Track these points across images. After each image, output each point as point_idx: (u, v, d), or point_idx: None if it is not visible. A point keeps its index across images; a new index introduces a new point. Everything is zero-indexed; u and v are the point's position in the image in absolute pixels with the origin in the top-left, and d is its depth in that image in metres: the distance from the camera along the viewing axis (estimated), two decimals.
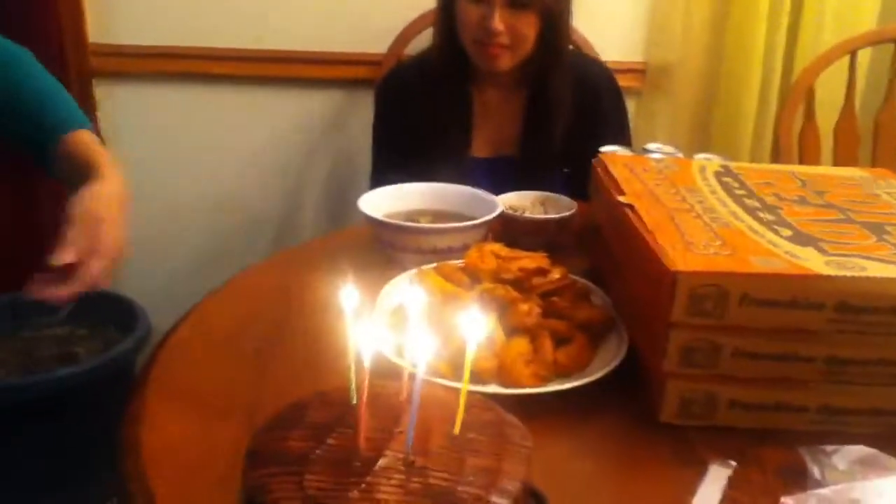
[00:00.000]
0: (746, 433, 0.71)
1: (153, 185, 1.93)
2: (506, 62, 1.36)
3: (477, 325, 0.50)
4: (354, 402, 0.54)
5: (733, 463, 0.66)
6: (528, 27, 1.33)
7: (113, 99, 1.86)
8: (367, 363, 0.49)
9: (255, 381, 0.77)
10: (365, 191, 1.12)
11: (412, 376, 0.51)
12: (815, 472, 0.64)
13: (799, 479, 0.64)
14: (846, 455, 0.64)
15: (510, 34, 1.33)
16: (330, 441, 0.51)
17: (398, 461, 0.49)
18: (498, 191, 1.16)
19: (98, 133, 1.84)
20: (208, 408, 0.73)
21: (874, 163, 1.71)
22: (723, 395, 0.71)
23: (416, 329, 0.51)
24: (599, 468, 0.68)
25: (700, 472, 0.66)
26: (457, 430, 0.52)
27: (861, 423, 0.72)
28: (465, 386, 0.52)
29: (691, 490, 0.63)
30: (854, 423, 0.71)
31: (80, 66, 1.79)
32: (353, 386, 0.54)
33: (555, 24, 1.36)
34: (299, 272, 1.03)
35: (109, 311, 1.75)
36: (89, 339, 1.73)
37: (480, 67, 1.40)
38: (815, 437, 0.67)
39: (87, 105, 1.83)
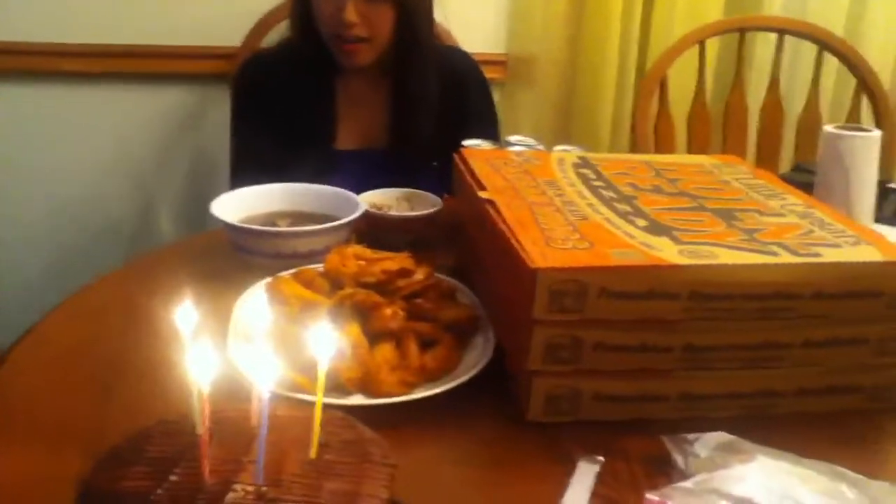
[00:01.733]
0: (611, 426, 0.71)
1: None
2: (364, 57, 1.33)
3: (327, 340, 0.47)
4: (199, 430, 0.50)
5: (601, 458, 0.66)
6: (383, 18, 1.30)
7: None
8: (205, 387, 0.45)
9: (97, 410, 0.71)
10: (224, 191, 1.06)
11: (261, 397, 0.47)
12: (679, 461, 0.64)
13: (664, 469, 0.65)
14: (707, 442, 0.65)
15: (365, 25, 1.29)
16: (173, 478, 0.47)
17: (248, 494, 0.45)
18: (367, 185, 1.13)
19: None
20: (45, 440, 0.66)
21: (725, 147, 1.79)
22: (587, 389, 0.71)
23: (261, 347, 0.48)
24: (469, 473, 0.67)
25: (569, 468, 0.65)
26: (313, 453, 0.49)
27: (720, 407, 0.73)
28: (318, 407, 0.48)
29: (561, 488, 0.63)
30: (713, 408, 0.73)
31: None
32: (197, 413, 0.50)
33: (411, 14, 1.33)
34: (149, 284, 0.96)
35: None
36: None
37: (340, 64, 1.36)
38: (679, 425, 0.68)
39: None
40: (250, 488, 0.46)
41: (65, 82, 1.77)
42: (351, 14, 1.27)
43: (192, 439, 0.50)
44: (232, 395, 0.53)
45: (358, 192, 1.09)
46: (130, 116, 1.81)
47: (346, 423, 0.54)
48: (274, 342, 0.51)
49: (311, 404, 0.55)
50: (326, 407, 0.50)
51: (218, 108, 1.79)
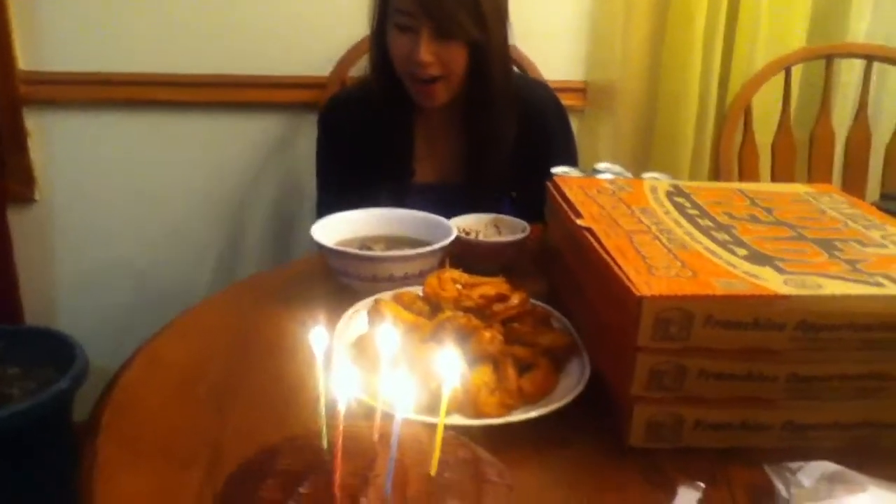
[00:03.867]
0: (713, 453, 0.71)
1: (88, 216, 1.87)
2: (440, 96, 1.35)
3: (453, 366, 0.49)
4: (326, 446, 0.52)
5: (702, 485, 0.66)
6: (457, 56, 1.32)
7: (45, 128, 1.81)
8: (341, 407, 0.47)
9: (214, 426, 0.74)
10: (312, 217, 1.10)
11: (386, 417, 0.50)
12: (782, 489, 0.64)
13: (766, 499, 0.65)
14: (811, 471, 0.64)
15: (439, 64, 1.31)
16: (303, 490, 0.49)
17: None
18: (443, 216, 1.15)
19: (29, 164, 1.80)
20: (167, 456, 0.69)
21: (810, 175, 1.76)
22: (689, 416, 0.71)
23: (392, 371, 0.50)
24: (571, 497, 0.68)
25: (670, 495, 0.66)
26: (433, 471, 0.51)
27: (824, 437, 0.73)
28: (440, 426, 0.50)
29: None
30: (817, 438, 0.72)
31: (10, 95, 1.73)
32: (325, 430, 0.52)
33: (484, 51, 1.34)
34: (252, 307, 1.00)
35: (43, 348, 1.69)
36: (22, 378, 1.65)
37: (417, 103, 1.39)
38: (781, 454, 0.68)
39: (18, 135, 1.77)
40: (378, 502, 0.48)
41: (158, 111, 1.84)
42: (425, 54, 1.29)
43: (319, 454, 0.52)
44: (350, 411, 0.55)
45: None
46: (222, 145, 1.88)
47: (460, 442, 0.56)
48: (397, 363, 0.53)
49: (421, 424, 0.58)
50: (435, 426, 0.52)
51: (307, 136, 1.84)
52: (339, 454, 0.48)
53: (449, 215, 1.16)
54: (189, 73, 1.80)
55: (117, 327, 1.86)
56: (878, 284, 0.71)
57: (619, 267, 0.73)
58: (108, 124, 1.84)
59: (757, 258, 0.77)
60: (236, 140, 1.88)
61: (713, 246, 0.80)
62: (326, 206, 1.46)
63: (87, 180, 1.85)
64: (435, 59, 1.30)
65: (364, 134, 1.43)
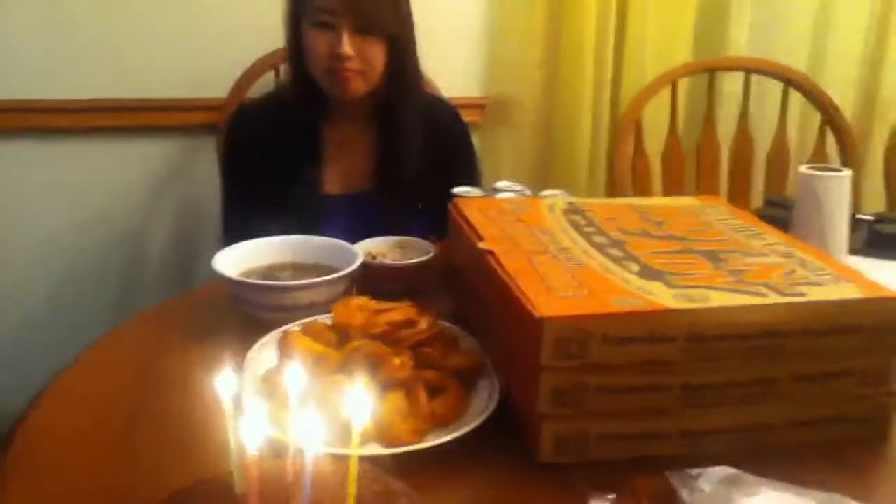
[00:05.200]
0: (619, 464, 0.74)
1: None
2: (358, 87, 1.37)
3: (363, 402, 0.50)
4: (238, 490, 0.52)
5: (611, 496, 0.69)
6: (377, 52, 1.35)
7: None
8: (252, 451, 0.48)
9: (125, 468, 0.72)
10: (214, 241, 1.09)
11: (299, 454, 0.50)
12: (685, 495, 0.68)
13: None
14: (710, 477, 0.68)
15: (360, 59, 1.34)
16: None
17: None
18: (354, 227, 1.16)
19: None
20: (77, 500, 0.68)
21: (699, 182, 1.86)
22: (593, 430, 0.74)
23: (301, 407, 0.50)
24: None
25: None
26: None
27: (719, 442, 0.77)
28: (354, 463, 0.51)
29: None
30: (713, 443, 0.77)
31: None
32: (237, 473, 0.52)
33: (402, 50, 1.39)
34: (158, 340, 0.98)
35: None
36: None
37: (334, 96, 1.40)
38: (681, 461, 0.72)
39: None
40: None
41: (49, 138, 1.78)
42: (347, 47, 1.31)
43: (232, 499, 0.52)
44: (260, 450, 0.55)
45: (345, 234, 1.13)
46: (117, 171, 1.83)
47: (375, 475, 0.57)
48: (307, 399, 0.54)
49: (334, 460, 0.58)
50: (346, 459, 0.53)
51: (206, 159, 1.82)
52: (255, 498, 0.49)
53: (357, 227, 1.17)
54: (81, 98, 1.75)
55: (16, 360, 1.78)
56: (760, 294, 0.76)
57: (520, 289, 0.76)
58: None
59: (648, 273, 0.81)
60: (133, 165, 1.84)
61: (607, 263, 0.84)
62: (233, 222, 1.46)
63: None
64: (356, 53, 1.33)
65: (272, 145, 1.43)
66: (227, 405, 0.51)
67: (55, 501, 0.68)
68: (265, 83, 1.76)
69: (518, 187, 1.22)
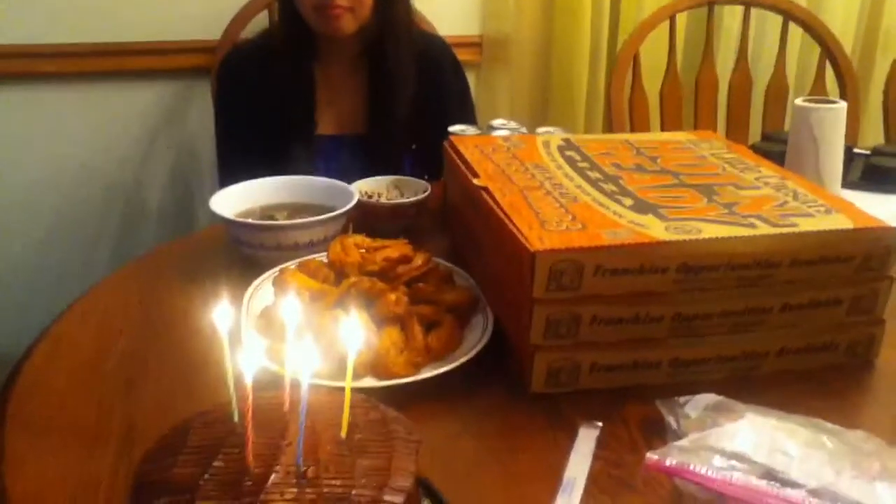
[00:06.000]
0: (610, 393, 0.76)
1: None
2: (347, 24, 1.35)
3: (356, 334, 0.51)
4: (237, 419, 0.54)
5: (600, 424, 0.71)
6: None
7: None
8: (249, 380, 0.49)
9: (125, 406, 0.74)
10: (211, 185, 1.09)
11: (295, 385, 0.51)
12: (672, 422, 0.69)
13: (659, 431, 0.70)
14: (697, 404, 0.70)
15: None
16: (217, 463, 0.51)
17: (290, 474, 0.49)
18: (349, 168, 1.16)
19: None
20: (79, 440, 0.69)
21: (697, 118, 1.85)
22: (585, 360, 0.76)
23: (297, 339, 0.52)
24: (480, 445, 0.71)
25: (572, 435, 0.70)
26: (343, 433, 0.53)
27: (709, 370, 0.79)
28: (347, 391, 0.53)
29: (566, 453, 0.68)
30: (703, 372, 0.78)
31: None
32: (234, 403, 0.54)
33: None
34: (154, 283, 0.99)
35: None
36: None
37: (323, 33, 1.38)
38: (672, 390, 0.73)
39: None
40: (292, 468, 0.50)
41: (41, 84, 1.77)
42: None
43: (231, 427, 0.54)
44: (259, 383, 0.56)
45: (340, 175, 1.13)
46: (111, 115, 1.82)
47: (369, 403, 0.58)
48: (303, 333, 0.55)
49: (331, 391, 0.60)
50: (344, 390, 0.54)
51: (200, 102, 1.81)
52: (250, 426, 0.50)
53: (352, 168, 1.17)
54: (72, 41, 1.73)
55: (14, 311, 1.80)
56: (751, 226, 0.77)
57: (514, 224, 0.76)
58: None
59: (641, 207, 0.82)
60: (127, 111, 1.82)
61: (601, 197, 0.84)
62: (229, 164, 1.47)
63: None
64: None
65: (265, 85, 1.42)
66: (224, 337, 0.52)
67: (59, 440, 0.70)
68: (259, 23, 1.74)
69: (513, 125, 1.22)
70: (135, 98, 1.82)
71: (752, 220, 0.78)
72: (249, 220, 0.99)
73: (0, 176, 1.80)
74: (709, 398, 0.70)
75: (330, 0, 1.31)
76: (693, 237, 0.74)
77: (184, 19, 1.77)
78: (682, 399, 0.71)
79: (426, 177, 1.20)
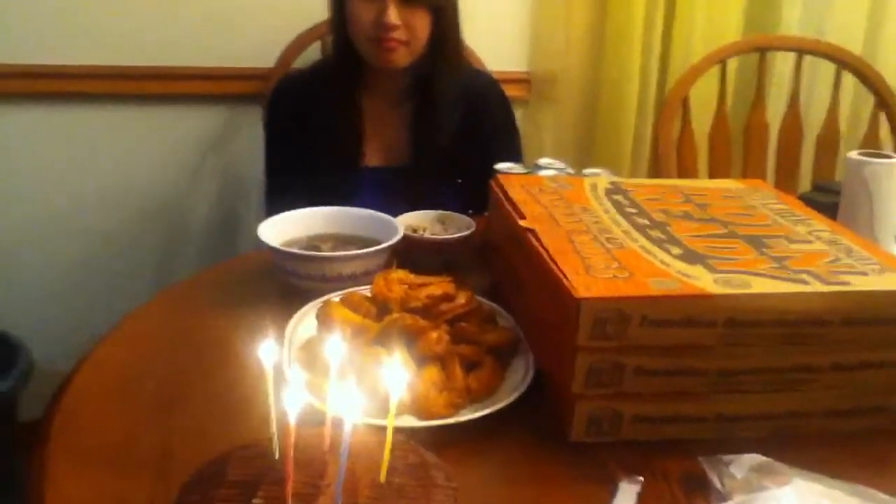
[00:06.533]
0: (651, 446, 0.75)
1: (23, 212, 1.83)
2: (402, 57, 1.37)
3: (400, 376, 0.51)
4: (277, 456, 0.54)
5: (641, 478, 0.70)
6: (422, 23, 1.35)
7: None
8: (293, 420, 0.49)
9: (162, 433, 0.74)
10: (256, 210, 1.10)
11: (336, 423, 0.51)
12: (716, 481, 0.68)
13: (701, 489, 0.68)
14: (742, 464, 0.68)
15: (405, 29, 1.34)
16: (257, 501, 0.51)
17: None
18: (392, 201, 1.17)
19: None
20: (117, 463, 0.70)
21: (745, 165, 1.82)
22: (627, 411, 0.75)
23: (340, 379, 0.52)
24: (516, 493, 0.70)
25: (612, 488, 0.69)
26: (383, 477, 0.53)
27: (753, 427, 0.77)
28: (389, 433, 0.52)
29: None
30: (746, 429, 0.77)
31: None
32: (276, 439, 0.54)
33: (446, 22, 1.39)
34: (198, 308, 1.00)
35: None
36: None
37: (377, 66, 1.39)
38: (714, 445, 0.72)
39: None
40: None
41: (95, 105, 1.80)
42: (393, 16, 1.31)
43: (270, 463, 0.54)
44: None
45: (384, 206, 1.14)
46: (162, 138, 1.85)
47: (409, 447, 0.58)
48: (345, 371, 0.55)
49: (370, 430, 0.59)
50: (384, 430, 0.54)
51: (249, 128, 1.83)
52: (291, 464, 0.50)
53: (395, 199, 1.17)
54: (128, 64, 1.77)
55: (60, 326, 1.83)
56: (803, 282, 0.75)
57: (559, 268, 0.76)
58: (44, 118, 1.79)
59: (690, 257, 0.81)
60: (177, 133, 1.85)
61: (649, 245, 0.84)
62: (275, 191, 1.48)
63: (21, 175, 1.81)
64: (402, 23, 1.33)
65: (314, 115, 1.44)
66: (269, 373, 0.52)
67: (98, 463, 0.70)
68: (311, 54, 1.77)
69: (560, 164, 1.22)
70: (186, 121, 1.85)
71: (804, 276, 0.77)
72: (296, 250, 1.00)
73: (51, 189, 1.83)
74: (755, 459, 0.69)
75: (386, 33, 1.33)
76: (742, 291, 0.73)
77: (237, 46, 1.80)
78: (726, 457, 0.70)
79: (469, 211, 1.20)
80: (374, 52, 1.37)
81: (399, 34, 1.33)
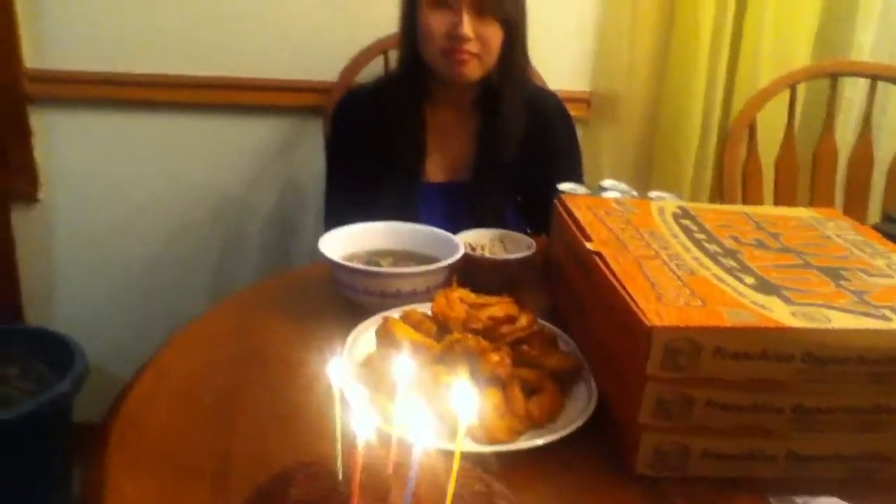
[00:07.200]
0: (719, 482, 0.72)
1: (90, 216, 1.87)
2: (473, 70, 1.36)
3: (470, 401, 0.49)
4: (341, 477, 0.53)
5: None
6: (494, 36, 1.35)
7: (49, 127, 1.80)
8: (360, 442, 0.48)
9: (222, 441, 0.74)
10: (314, 222, 1.10)
11: (402, 445, 0.50)
12: None
13: None
14: None
15: (478, 42, 1.33)
16: None
17: None
18: (451, 216, 1.16)
19: (33, 162, 1.80)
20: (175, 474, 0.70)
21: (813, 193, 1.77)
22: (696, 445, 0.72)
23: (407, 400, 0.50)
24: None
25: None
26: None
27: (827, 468, 0.73)
28: (456, 460, 0.51)
29: None
30: (821, 469, 0.73)
31: (15, 93, 1.73)
32: (339, 459, 0.53)
33: (515, 36, 1.38)
34: (257, 318, 1.00)
35: (40, 348, 1.68)
36: (20, 378, 1.65)
37: (447, 78, 1.39)
38: (785, 485, 0.69)
39: (23, 133, 1.77)
40: None
41: (163, 112, 1.84)
42: (467, 27, 1.30)
43: (334, 484, 0.53)
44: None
45: (443, 222, 1.13)
46: (225, 147, 1.88)
47: (474, 474, 0.56)
48: (412, 393, 0.54)
49: (436, 452, 0.58)
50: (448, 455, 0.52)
51: (310, 141, 1.85)
52: (357, 487, 0.49)
53: (455, 216, 1.16)
54: (194, 74, 1.80)
55: (116, 329, 1.86)
56: (885, 318, 0.72)
57: (629, 294, 0.74)
58: (113, 124, 1.83)
59: (764, 287, 0.78)
60: (239, 143, 1.88)
61: (721, 273, 0.81)
62: (336, 204, 1.49)
63: (90, 180, 1.85)
64: (475, 35, 1.32)
65: (377, 130, 1.44)
66: (336, 391, 0.51)
67: (157, 475, 0.70)
68: (375, 68, 1.77)
69: (624, 187, 1.19)
70: (248, 131, 1.87)
71: (885, 311, 0.73)
72: (356, 265, 1.00)
73: (118, 195, 1.87)
74: (829, 502, 0.65)
75: (460, 44, 1.32)
76: (822, 326, 0.70)
77: (301, 59, 1.82)
78: (799, 499, 0.67)
79: (528, 230, 1.18)
80: (446, 65, 1.36)
81: (471, 46, 1.33)
